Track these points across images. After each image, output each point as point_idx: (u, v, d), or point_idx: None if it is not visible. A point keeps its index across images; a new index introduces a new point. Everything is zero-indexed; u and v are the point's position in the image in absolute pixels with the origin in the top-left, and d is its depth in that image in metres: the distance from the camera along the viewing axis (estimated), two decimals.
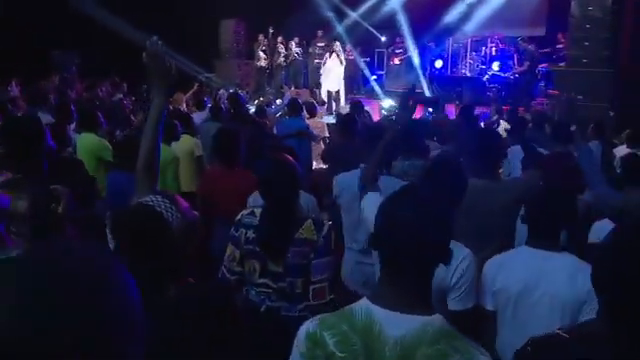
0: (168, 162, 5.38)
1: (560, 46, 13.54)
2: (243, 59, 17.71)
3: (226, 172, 4.38)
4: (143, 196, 1.87)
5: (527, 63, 12.68)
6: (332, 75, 13.48)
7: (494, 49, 15.40)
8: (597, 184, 3.22)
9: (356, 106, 9.06)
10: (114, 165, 5.10)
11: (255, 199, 3.62)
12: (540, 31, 15.20)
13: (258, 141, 4.85)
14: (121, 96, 11.73)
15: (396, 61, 16.75)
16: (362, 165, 3.38)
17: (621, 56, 11.16)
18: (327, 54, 13.83)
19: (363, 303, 1.53)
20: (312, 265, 2.67)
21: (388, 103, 13.05)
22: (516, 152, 5.48)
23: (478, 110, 11.90)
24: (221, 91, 12.69)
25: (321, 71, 13.81)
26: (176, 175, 5.57)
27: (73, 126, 6.29)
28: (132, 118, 9.00)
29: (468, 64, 15.95)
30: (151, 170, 2.22)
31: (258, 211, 2.85)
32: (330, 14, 16.30)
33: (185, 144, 6.27)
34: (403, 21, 15.80)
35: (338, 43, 13.99)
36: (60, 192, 2.54)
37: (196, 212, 1.91)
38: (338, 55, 13.73)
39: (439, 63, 16.32)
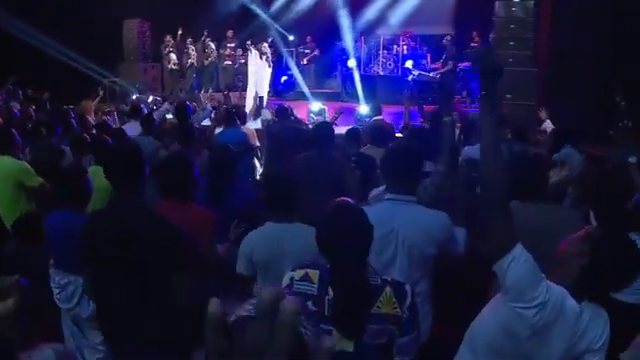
0: (104, 189, 4.58)
1: (474, 45, 13.67)
2: (149, 62, 16.61)
3: (179, 209, 3.44)
4: None
5: (450, 62, 12.62)
6: (259, 78, 12.81)
7: (405, 47, 15.37)
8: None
9: (283, 112, 8.48)
10: (53, 202, 4.16)
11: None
12: (449, 30, 15.36)
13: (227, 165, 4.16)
14: (18, 105, 10.48)
15: (304, 61, 16.36)
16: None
17: (540, 55, 11.35)
18: (252, 55, 13.12)
19: None
20: (396, 345, 2.14)
21: (317, 106, 12.55)
22: None
23: (395, 109, 11.82)
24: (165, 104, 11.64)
25: (249, 73, 13.07)
26: None
27: None
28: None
29: (381, 63, 15.82)
30: None
31: (315, 275, 2.26)
32: (240, 14, 15.80)
33: None
34: (313, 21, 15.63)
35: (266, 44, 13.35)
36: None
37: None
38: (267, 57, 13.09)
39: (352, 62, 16.01)
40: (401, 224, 2.94)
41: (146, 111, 8.59)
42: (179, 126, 5.62)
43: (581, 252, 2.23)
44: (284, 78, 16.15)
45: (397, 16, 15.57)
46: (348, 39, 15.51)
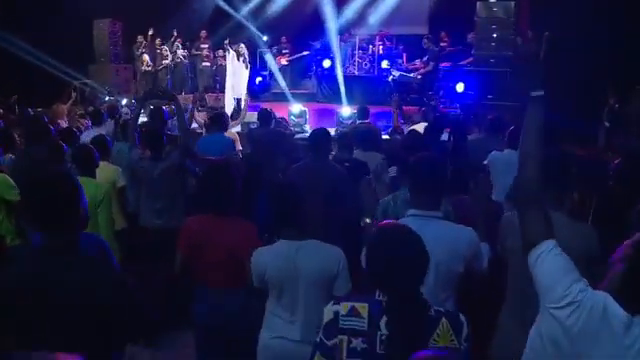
0: (100, 199, 4.34)
1: (444, 44, 13.63)
2: (121, 63, 16.17)
3: (218, 222, 3.40)
4: None
5: (432, 63, 12.54)
6: (237, 79, 12.55)
7: (381, 47, 15.29)
8: None
9: (266, 115, 8.24)
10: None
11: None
12: (423, 29, 15.34)
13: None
14: None
15: (283, 62, 16.13)
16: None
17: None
18: (229, 56, 12.84)
19: None
20: None
21: (298, 108, 12.31)
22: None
23: (374, 110, 11.69)
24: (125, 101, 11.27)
25: (227, 75, 12.79)
26: (109, 214, 4.49)
27: None
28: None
29: (357, 63, 15.69)
30: None
31: (364, 309, 2.05)
32: (213, 14, 15.54)
33: (105, 173, 5.17)
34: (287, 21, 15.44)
35: (243, 45, 13.08)
36: None
37: None
38: (245, 58, 12.82)
39: (327, 63, 15.83)
40: (427, 241, 2.76)
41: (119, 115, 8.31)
42: (150, 132, 5.30)
43: (626, 256, 2.09)
44: (259, 79, 15.91)
45: (373, 16, 15.50)
46: (324, 39, 15.43)
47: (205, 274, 3.38)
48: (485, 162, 6.13)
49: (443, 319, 2.05)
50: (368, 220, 3.38)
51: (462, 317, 2.11)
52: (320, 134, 4.89)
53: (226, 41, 13.89)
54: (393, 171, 5.49)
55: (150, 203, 5.17)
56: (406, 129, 8.46)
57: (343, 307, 2.09)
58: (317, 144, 4.78)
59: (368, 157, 5.98)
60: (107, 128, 7.61)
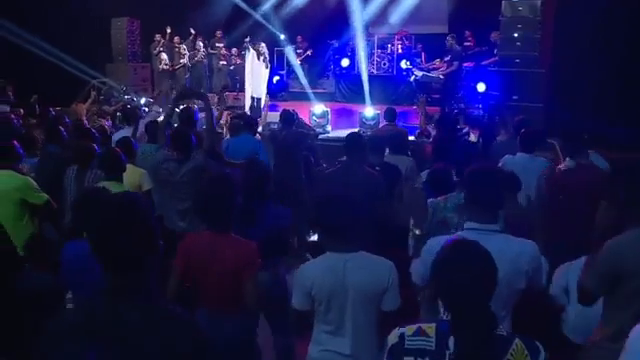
0: None
1: (468, 44, 13.41)
2: (139, 62, 16.08)
3: (217, 240, 3.17)
4: None
5: (456, 63, 12.31)
6: (256, 79, 12.40)
7: (400, 46, 15.09)
8: None
9: (288, 116, 8.06)
10: (70, 229, 3.70)
11: None
12: (443, 28, 15.12)
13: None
14: (7, 108, 9.93)
15: (297, 61, 15.97)
16: None
17: (545, 56, 11.13)
18: (249, 55, 12.69)
19: None
20: None
21: (320, 108, 12.12)
22: None
23: (399, 110, 11.46)
24: (154, 107, 11.16)
25: (246, 74, 12.64)
26: None
27: None
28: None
29: (375, 62, 15.50)
30: None
31: (431, 329, 1.96)
32: (230, 13, 15.41)
33: (131, 177, 5.02)
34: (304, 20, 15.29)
35: (264, 44, 12.92)
36: None
37: None
38: (265, 57, 12.68)
39: (346, 62, 15.66)
40: None
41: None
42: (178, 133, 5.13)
43: None
44: (276, 78, 15.74)
45: (392, 15, 15.30)
46: (343, 38, 15.26)
47: (204, 296, 3.20)
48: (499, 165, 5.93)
49: (517, 340, 1.95)
50: (418, 232, 3.17)
51: (538, 343, 1.98)
52: (356, 138, 4.71)
53: (247, 39, 13.71)
54: (424, 176, 5.30)
55: (174, 205, 5.02)
56: (432, 131, 8.25)
57: (408, 329, 2.02)
58: (353, 149, 4.60)
59: (398, 161, 5.82)
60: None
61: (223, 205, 3.16)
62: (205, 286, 3.17)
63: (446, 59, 12.75)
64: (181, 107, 6.63)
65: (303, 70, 15.78)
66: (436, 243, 2.72)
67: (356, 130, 10.10)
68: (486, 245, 2.63)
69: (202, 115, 7.11)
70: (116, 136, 6.83)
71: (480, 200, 2.76)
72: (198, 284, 3.20)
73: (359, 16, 14.25)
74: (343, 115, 13.23)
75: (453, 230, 3.21)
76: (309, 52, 15.91)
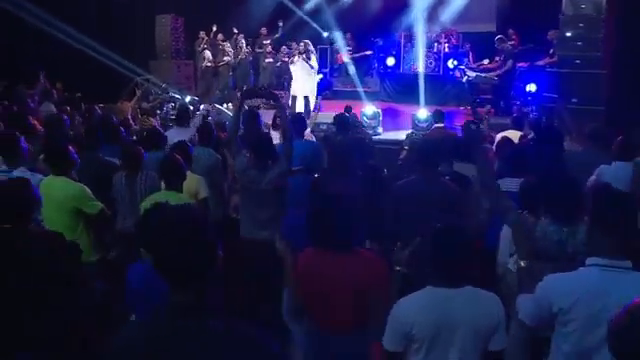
0: None
1: (512, 42, 12.87)
2: (182, 59, 15.96)
3: (335, 259, 2.87)
4: None
5: (510, 62, 11.81)
6: (304, 78, 12.13)
7: (446, 46, 14.67)
8: None
9: (344, 120, 7.70)
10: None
11: None
12: (490, 27, 14.70)
13: None
14: (53, 107, 9.78)
15: (344, 59, 15.62)
16: None
17: (607, 57, 10.58)
18: (297, 55, 12.44)
19: None
20: None
21: (371, 109, 11.76)
22: None
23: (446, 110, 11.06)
24: (203, 106, 10.97)
25: (292, 73, 12.38)
26: None
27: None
28: None
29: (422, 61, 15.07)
30: None
31: None
32: (274, 10, 15.20)
33: (189, 184, 4.76)
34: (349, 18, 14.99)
35: (310, 43, 12.66)
36: None
37: None
38: (313, 55, 12.40)
39: (391, 61, 15.28)
40: (617, 300, 2.22)
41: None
42: (259, 138, 4.84)
43: None
44: (319, 77, 15.44)
45: (439, 14, 14.88)
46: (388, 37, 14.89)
47: (325, 319, 2.90)
48: (593, 177, 5.46)
49: None
50: (523, 264, 2.78)
51: None
52: (431, 147, 4.35)
53: (304, 41, 13.40)
54: (504, 186, 4.87)
55: (256, 214, 4.75)
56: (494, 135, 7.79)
57: None
58: (427, 158, 4.23)
59: (465, 169, 5.45)
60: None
61: (347, 222, 2.86)
62: (322, 307, 2.88)
63: (498, 58, 12.26)
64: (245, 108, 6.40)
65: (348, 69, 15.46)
66: (559, 283, 2.38)
67: (409, 132, 9.74)
68: (615, 286, 2.28)
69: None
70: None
71: (610, 229, 2.38)
72: (312, 303, 2.91)
73: (417, 11, 13.83)
74: (394, 116, 12.85)
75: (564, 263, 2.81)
76: (367, 52, 15.51)
